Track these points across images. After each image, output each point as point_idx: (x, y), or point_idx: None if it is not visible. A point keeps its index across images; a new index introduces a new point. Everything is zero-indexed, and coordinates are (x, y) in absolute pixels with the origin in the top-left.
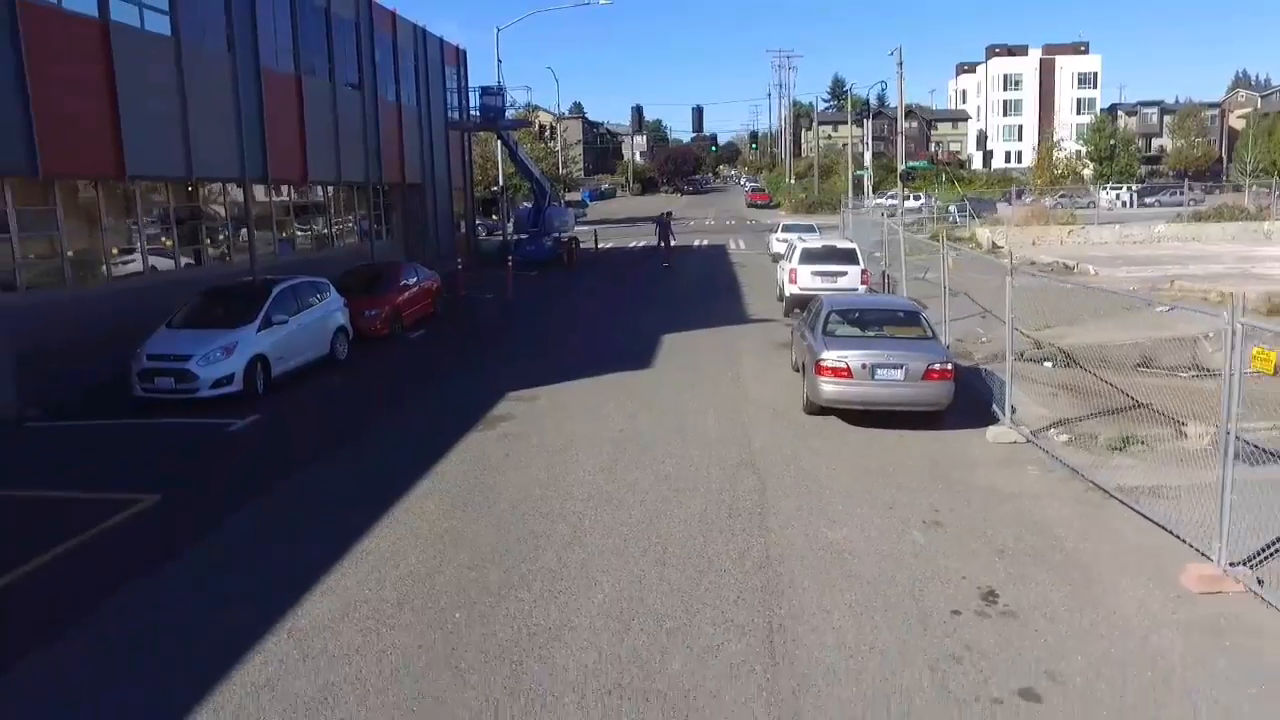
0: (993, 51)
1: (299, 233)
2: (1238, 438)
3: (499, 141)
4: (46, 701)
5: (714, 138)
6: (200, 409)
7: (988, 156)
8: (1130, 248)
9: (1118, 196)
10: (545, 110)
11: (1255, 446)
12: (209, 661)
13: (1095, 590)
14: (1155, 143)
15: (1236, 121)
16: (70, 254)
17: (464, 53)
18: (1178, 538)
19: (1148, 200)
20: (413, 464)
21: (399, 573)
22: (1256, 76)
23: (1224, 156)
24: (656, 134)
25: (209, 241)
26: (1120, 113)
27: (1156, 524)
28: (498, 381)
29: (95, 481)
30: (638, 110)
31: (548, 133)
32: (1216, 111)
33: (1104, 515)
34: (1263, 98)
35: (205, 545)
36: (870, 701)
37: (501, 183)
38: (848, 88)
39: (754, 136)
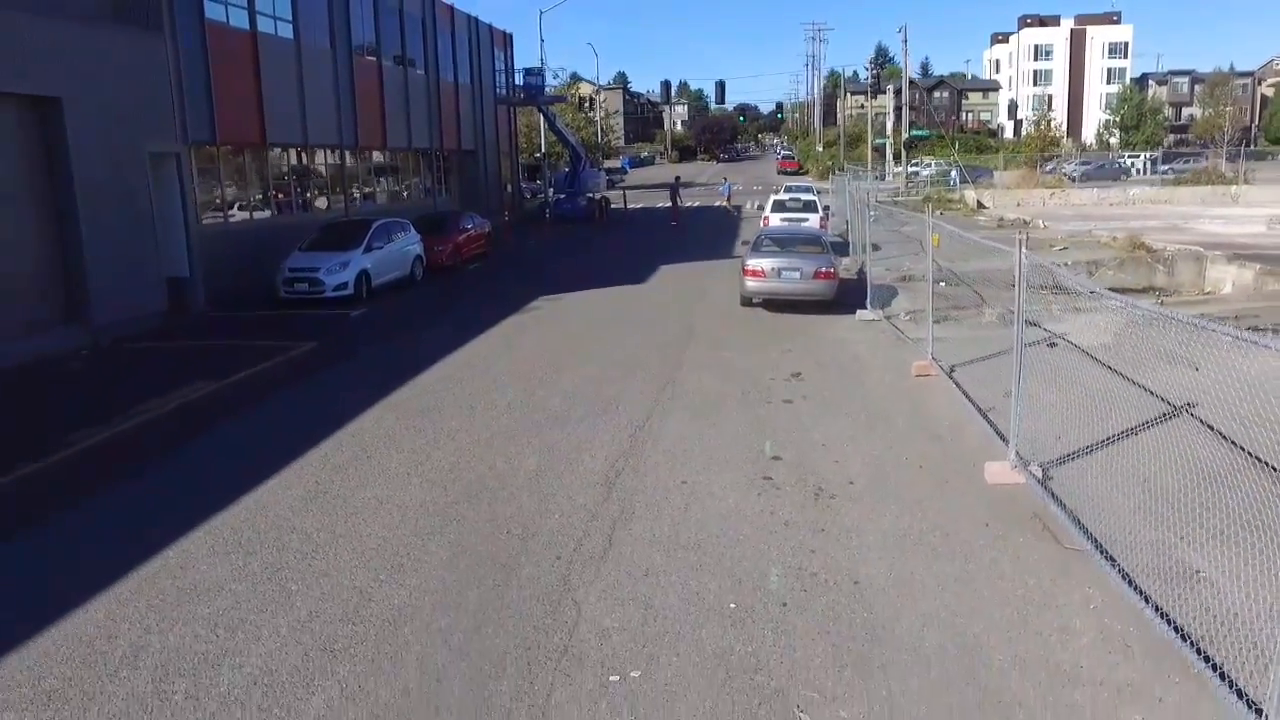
0: (1025, 21)
1: (378, 189)
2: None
3: (540, 114)
4: (314, 399)
5: (745, 108)
6: (325, 305)
7: (1018, 126)
8: (1103, 208)
9: (1132, 164)
10: (587, 81)
11: (1027, 320)
12: (373, 392)
13: (860, 375)
14: (1185, 112)
15: (1269, 90)
16: (225, 200)
17: (510, 36)
18: (921, 353)
19: (1161, 168)
20: (473, 329)
21: (467, 365)
22: None
23: (1253, 125)
24: (697, 103)
25: (313, 194)
26: (1151, 82)
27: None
28: (534, 291)
29: (274, 337)
30: (666, 84)
31: (587, 104)
32: (1248, 80)
33: (894, 349)
34: None
35: (359, 359)
36: (704, 398)
37: (544, 149)
38: (890, 57)
39: (779, 107)
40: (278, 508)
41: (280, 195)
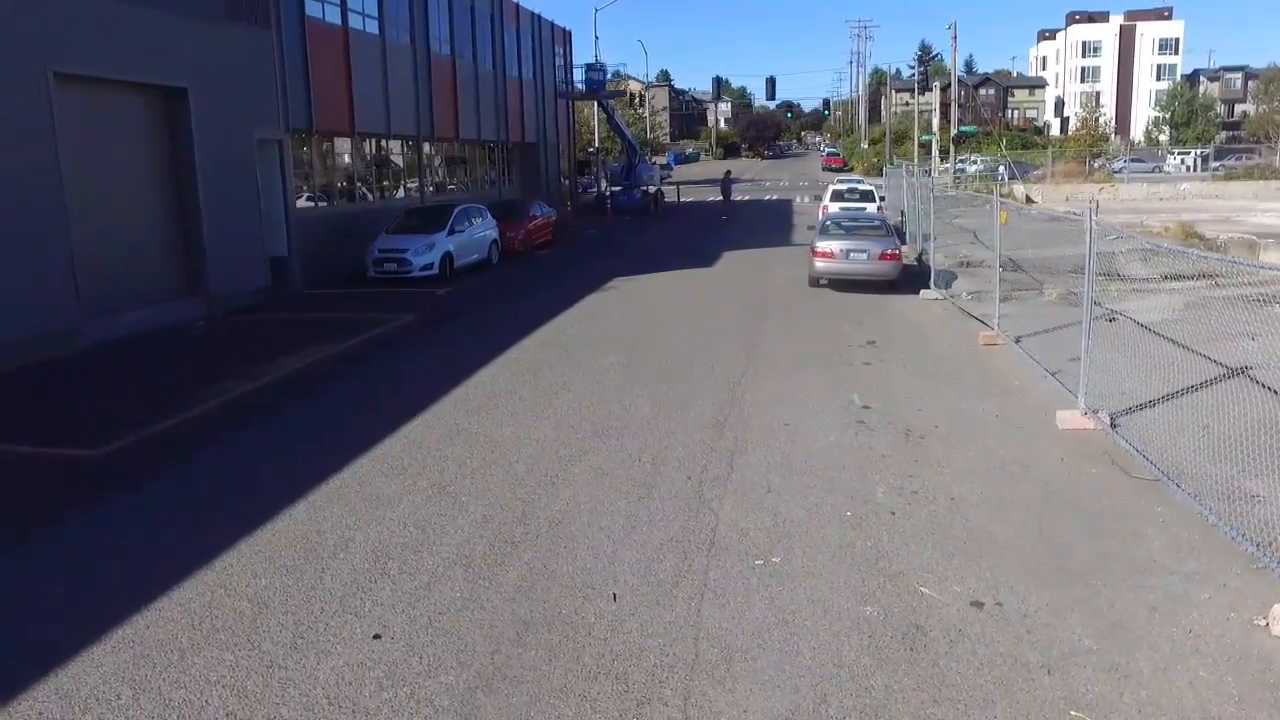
0: (1072, 18)
1: (448, 180)
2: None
3: (597, 108)
4: (428, 360)
5: (791, 105)
6: (411, 284)
7: (1065, 123)
8: (1152, 203)
9: (1182, 161)
10: (635, 79)
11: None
12: (481, 355)
13: (931, 344)
14: (1239, 108)
15: None
16: (315, 186)
17: (570, 33)
18: (988, 326)
19: (1214, 165)
20: (559, 304)
21: (563, 333)
22: None
23: None
24: (741, 101)
25: (390, 182)
26: (1203, 78)
27: (981, 322)
28: (607, 273)
29: (372, 310)
30: (717, 80)
31: (636, 100)
32: None
33: (960, 323)
34: None
35: (457, 328)
36: (789, 360)
37: (597, 144)
38: (934, 54)
39: (826, 104)
40: (427, 442)
41: (361, 183)
